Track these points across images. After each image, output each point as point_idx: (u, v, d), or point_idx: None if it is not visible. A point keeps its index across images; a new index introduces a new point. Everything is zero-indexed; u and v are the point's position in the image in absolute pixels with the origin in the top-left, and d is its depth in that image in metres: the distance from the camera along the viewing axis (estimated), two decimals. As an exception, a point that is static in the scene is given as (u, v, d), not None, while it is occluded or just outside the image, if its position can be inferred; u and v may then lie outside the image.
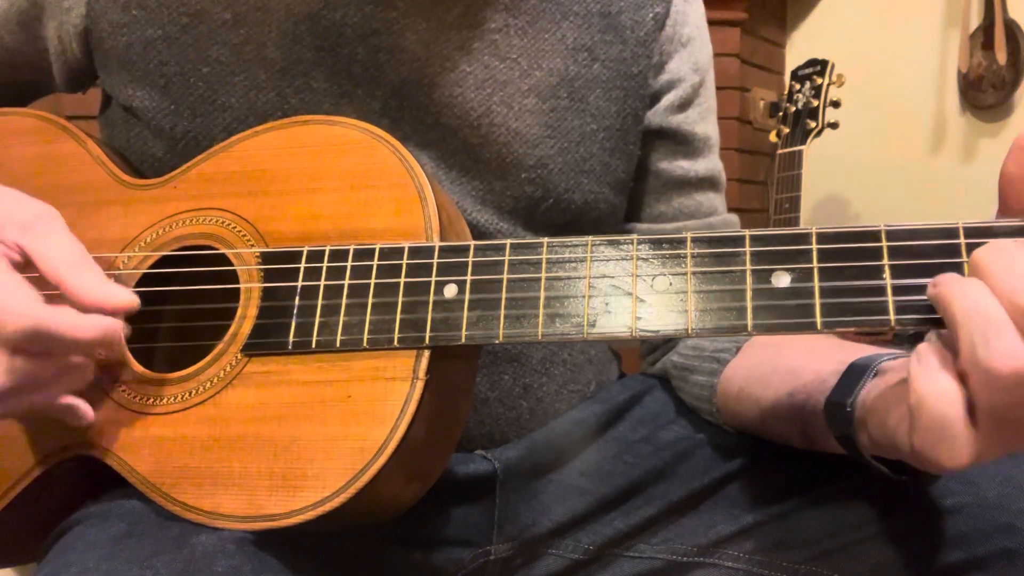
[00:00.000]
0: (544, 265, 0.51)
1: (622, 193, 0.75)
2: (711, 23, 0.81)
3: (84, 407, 0.55)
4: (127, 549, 0.51)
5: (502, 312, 0.51)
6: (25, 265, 0.52)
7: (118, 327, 0.52)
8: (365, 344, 0.52)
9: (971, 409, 0.41)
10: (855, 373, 0.54)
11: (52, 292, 0.52)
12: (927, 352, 0.42)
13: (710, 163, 0.79)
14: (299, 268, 0.55)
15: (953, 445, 0.40)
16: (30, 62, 0.72)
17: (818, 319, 0.45)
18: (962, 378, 0.41)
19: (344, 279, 0.54)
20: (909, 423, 0.43)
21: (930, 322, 0.43)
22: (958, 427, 0.40)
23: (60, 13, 0.68)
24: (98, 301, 0.52)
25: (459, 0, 0.67)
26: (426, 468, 0.56)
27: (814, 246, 0.46)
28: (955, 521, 0.57)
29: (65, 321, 0.50)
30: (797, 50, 2.38)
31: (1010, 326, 0.39)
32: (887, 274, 0.44)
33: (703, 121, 0.78)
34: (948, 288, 0.42)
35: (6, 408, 0.51)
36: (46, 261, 0.51)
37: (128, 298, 0.53)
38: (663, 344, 0.78)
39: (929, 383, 0.41)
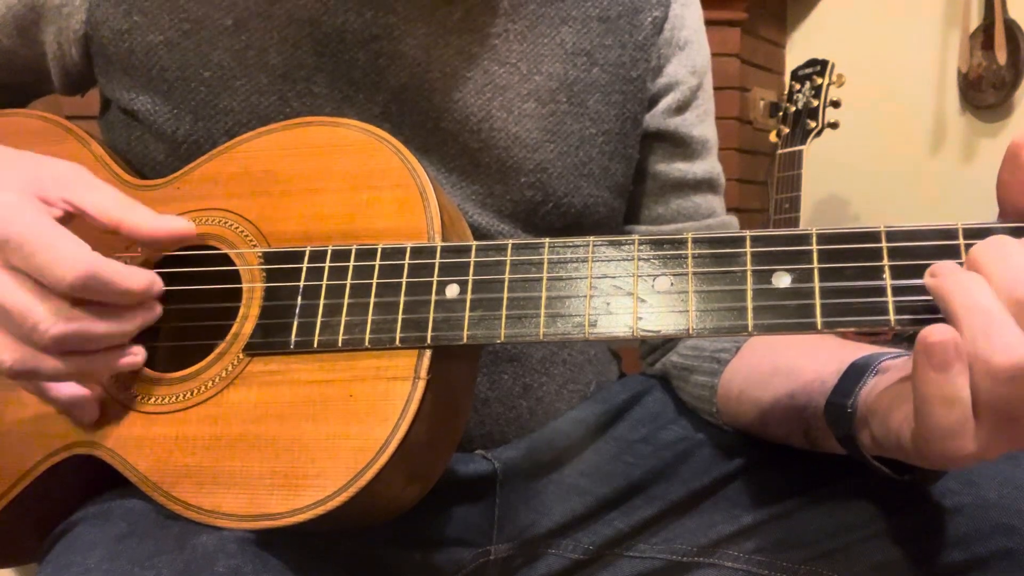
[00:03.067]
0: (546, 265, 0.52)
1: (621, 196, 0.75)
2: (711, 23, 0.81)
3: (91, 403, 0.55)
4: (128, 549, 0.51)
5: (504, 312, 0.51)
6: (68, 220, 0.52)
7: (159, 283, 0.53)
8: (367, 344, 0.52)
9: (974, 402, 0.41)
10: (855, 373, 0.54)
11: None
12: (936, 350, 0.41)
13: (708, 165, 0.79)
14: (301, 268, 0.55)
15: (958, 438, 0.41)
16: (28, 65, 0.72)
17: (818, 319, 0.45)
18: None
19: (346, 279, 0.54)
20: (913, 419, 0.43)
21: (930, 323, 0.43)
22: (965, 424, 0.41)
23: (59, 19, 0.67)
24: (158, 232, 0.53)
25: (459, 5, 0.67)
26: (427, 468, 0.56)
27: (814, 247, 0.46)
28: (955, 521, 0.57)
29: (117, 269, 0.51)
30: (797, 50, 2.38)
31: (1009, 320, 0.40)
32: (887, 274, 0.45)
33: (701, 124, 0.78)
34: (947, 281, 0.42)
35: (60, 363, 0.51)
36: (98, 209, 0.52)
37: (185, 225, 0.55)
38: (663, 344, 0.78)
39: (935, 387, 0.41)
